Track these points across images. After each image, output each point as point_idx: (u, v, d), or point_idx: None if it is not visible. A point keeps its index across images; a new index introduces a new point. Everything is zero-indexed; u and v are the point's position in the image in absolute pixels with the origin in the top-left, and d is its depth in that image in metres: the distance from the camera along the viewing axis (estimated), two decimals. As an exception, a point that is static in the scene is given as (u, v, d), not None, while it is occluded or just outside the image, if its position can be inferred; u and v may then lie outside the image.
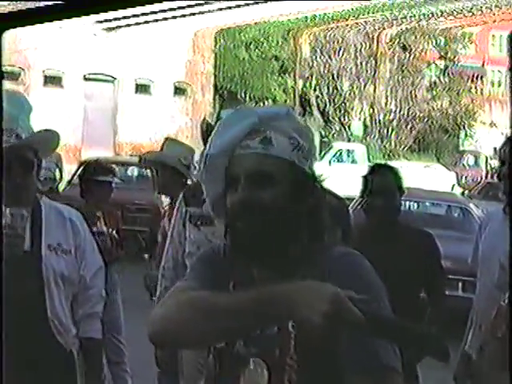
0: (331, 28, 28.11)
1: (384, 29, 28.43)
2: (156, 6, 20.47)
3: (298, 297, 1.68)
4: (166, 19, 22.26)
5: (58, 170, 14.05)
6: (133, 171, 15.54)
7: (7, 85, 19.67)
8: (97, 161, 6.45)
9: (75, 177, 6.65)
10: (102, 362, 3.60)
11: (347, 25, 27.52)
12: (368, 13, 26.18)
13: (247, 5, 20.27)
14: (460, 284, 7.72)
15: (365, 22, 27.34)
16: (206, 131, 4.10)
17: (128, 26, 22.78)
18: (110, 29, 23.29)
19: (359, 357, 1.78)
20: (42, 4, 1.18)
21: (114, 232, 5.68)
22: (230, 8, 21.98)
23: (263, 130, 1.90)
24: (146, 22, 22.47)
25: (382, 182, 3.76)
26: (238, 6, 20.68)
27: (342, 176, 15.92)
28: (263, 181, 1.88)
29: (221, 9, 21.95)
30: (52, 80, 23.06)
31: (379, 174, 3.83)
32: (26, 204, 3.34)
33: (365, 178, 3.83)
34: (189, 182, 4.98)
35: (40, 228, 3.39)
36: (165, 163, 4.98)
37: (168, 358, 4.30)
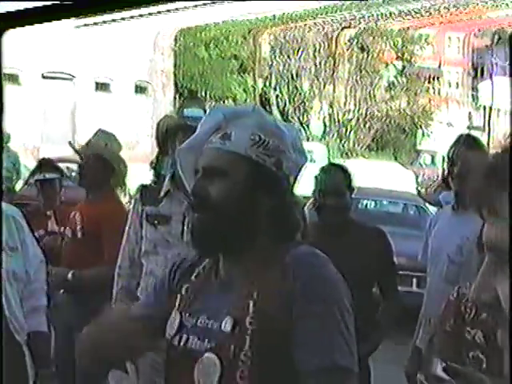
0: (290, 28, 28.17)
1: (342, 29, 28.54)
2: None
3: None
4: (125, 19, 22.13)
5: (14, 170, 13.93)
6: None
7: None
8: (45, 159, 6.39)
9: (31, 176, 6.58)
10: (51, 355, 3.59)
11: (305, 25, 27.59)
12: (327, 13, 26.29)
13: (206, 5, 20.23)
14: (414, 280, 7.82)
15: (323, 22, 27.44)
16: (167, 129, 4.09)
17: (88, 24, 22.62)
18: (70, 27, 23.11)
19: (312, 356, 1.80)
20: (41, 4, 1.18)
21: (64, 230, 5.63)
22: (190, 8, 21.93)
23: (226, 127, 1.95)
24: (106, 22, 22.33)
25: (331, 180, 3.83)
26: (197, 6, 20.64)
27: (301, 175, 15.93)
28: (214, 174, 1.92)
29: (180, 9, 21.89)
30: (10, 78, 22.82)
31: (328, 173, 3.89)
32: None
33: (315, 177, 3.89)
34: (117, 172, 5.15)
35: None
36: (92, 151, 4.94)
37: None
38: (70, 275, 4.62)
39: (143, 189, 4.26)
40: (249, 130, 1.92)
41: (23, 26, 1.19)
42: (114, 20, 22.11)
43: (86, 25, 22.50)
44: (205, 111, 4.15)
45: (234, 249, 1.94)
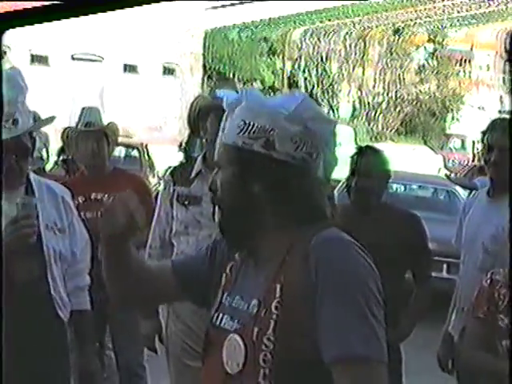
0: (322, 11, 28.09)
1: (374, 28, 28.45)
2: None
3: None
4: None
5: (45, 150, 14.06)
6: (120, 151, 15.55)
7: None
8: None
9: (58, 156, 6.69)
10: (93, 334, 3.63)
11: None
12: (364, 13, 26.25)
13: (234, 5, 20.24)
14: (445, 266, 7.77)
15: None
16: (200, 110, 4.09)
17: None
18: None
19: (333, 346, 1.76)
20: (41, 4, 1.18)
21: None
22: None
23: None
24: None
25: (367, 163, 3.78)
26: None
27: (328, 153, 15.88)
28: (217, 167, 1.99)
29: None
30: (39, 59, 22.94)
31: (366, 155, 3.84)
32: (19, 186, 3.33)
33: (351, 158, 3.85)
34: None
35: (36, 208, 3.39)
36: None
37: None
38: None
39: (174, 170, 4.27)
40: (236, 119, 1.94)
41: (23, 26, 1.19)
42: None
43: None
44: (237, 92, 4.15)
45: (249, 238, 1.96)
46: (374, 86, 30.15)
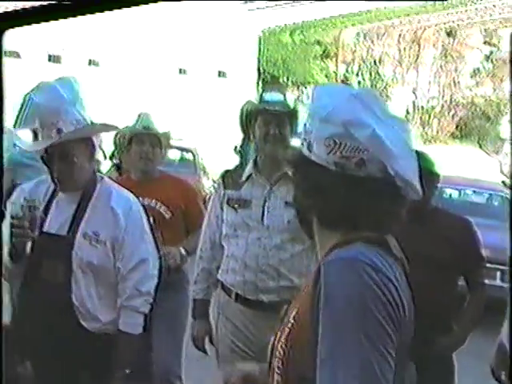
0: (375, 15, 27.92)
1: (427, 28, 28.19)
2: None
3: None
4: None
5: (101, 153, 14.15)
6: (175, 154, 15.64)
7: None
8: None
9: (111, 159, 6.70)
10: (130, 357, 3.50)
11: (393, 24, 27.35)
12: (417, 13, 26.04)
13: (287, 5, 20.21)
14: (498, 273, 7.63)
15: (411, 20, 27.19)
16: (248, 114, 4.08)
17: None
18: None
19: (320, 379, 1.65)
20: (42, 3, 1.16)
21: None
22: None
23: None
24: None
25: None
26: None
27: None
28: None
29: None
30: (93, 63, 23.24)
31: None
32: (67, 190, 3.36)
33: None
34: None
35: (82, 214, 3.40)
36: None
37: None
38: (183, 251, 4.76)
39: (226, 173, 4.27)
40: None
41: (23, 26, 1.17)
42: None
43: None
44: (285, 96, 4.13)
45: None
46: (428, 90, 29.85)
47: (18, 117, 3.44)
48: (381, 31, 28.94)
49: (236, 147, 13.40)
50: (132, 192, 4.32)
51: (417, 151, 4.17)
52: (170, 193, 4.85)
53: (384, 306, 1.67)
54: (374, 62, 29.46)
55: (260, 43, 27.38)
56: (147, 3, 1.22)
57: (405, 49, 29.47)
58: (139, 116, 4.99)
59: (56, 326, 3.35)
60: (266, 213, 4.00)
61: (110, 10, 1.18)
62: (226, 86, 25.65)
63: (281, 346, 1.79)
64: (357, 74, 29.67)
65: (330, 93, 1.87)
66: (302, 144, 1.84)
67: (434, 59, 29.81)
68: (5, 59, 1.40)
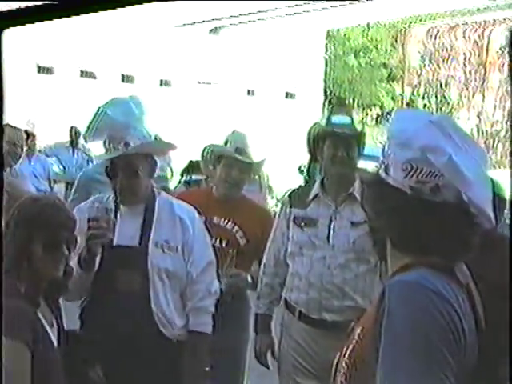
0: (439, 35, 27.66)
1: (490, 35, 27.77)
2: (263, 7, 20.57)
3: None
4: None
5: (169, 169, 14.36)
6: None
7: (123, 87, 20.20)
8: (192, 161, 6.59)
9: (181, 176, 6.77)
10: (207, 356, 3.62)
11: (453, 27, 27.02)
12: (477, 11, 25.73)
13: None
14: None
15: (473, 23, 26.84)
16: (315, 136, 4.10)
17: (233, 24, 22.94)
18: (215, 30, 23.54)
19: None
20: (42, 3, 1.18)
21: None
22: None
23: None
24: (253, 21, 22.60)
25: None
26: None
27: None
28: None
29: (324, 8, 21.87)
30: (165, 83, 23.51)
31: None
32: (131, 202, 3.43)
33: None
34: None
35: (150, 224, 3.47)
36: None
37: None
38: (249, 278, 4.56)
39: (293, 192, 4.30)
40: None
41: (23, 25, 1.18)
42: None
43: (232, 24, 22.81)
44: (352, 118, 4.15)
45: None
46: (493, 114, 29.42)
47: (88, 128, 3.54)
48: (445, 55, 28.66)
49: (300, 167, 13.39)
50: (210, 209, 4.32)
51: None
52: (248, 218, 4.66)
53: (444, 332, 1.68)
54: (440, 85, 29.19)
55: (326, 65, 27.39)
56: (149, 1, 1.24)
57: (470, 72, 29.13)
58: (233, 133, 4.75)
59: (137, 334, 3.41)
60: (331, 232, 4.01)
61: (115, 8, 1.19)
62: (294, 107, 25.70)
63: (345, 362, 1.81)
64: (422, 97, 29.43)
65: (409, 118, 1.89)
66: (380, 166, 1.86)
67: (500, 83, 29.40)
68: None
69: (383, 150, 1.86)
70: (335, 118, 4.09)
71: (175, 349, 3.57)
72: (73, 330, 3.09)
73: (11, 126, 6.72)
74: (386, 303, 1.70)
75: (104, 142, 3.57)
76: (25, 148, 6.63)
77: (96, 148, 4.12)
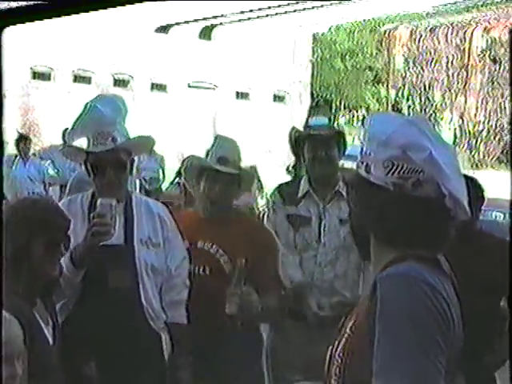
0: (422, 39, 27.76)
1: (471, 37, 27.91)
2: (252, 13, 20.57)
3: None
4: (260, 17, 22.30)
5: (161, 171, 14.34)
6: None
7: (116, 91, 20.14)
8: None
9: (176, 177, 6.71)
10: (189, 346, 3.64)
11: (433, 28, 27.11)
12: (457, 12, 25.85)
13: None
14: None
15: (454, 23, 26.98)
16: (296, 140, 4.12)
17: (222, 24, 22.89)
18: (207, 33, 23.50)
19: None
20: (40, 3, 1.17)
21: None
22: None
23: None
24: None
25: None
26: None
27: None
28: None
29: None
30: (158, 87, 23.47)
31: None
32: (118, 198, 3.42)
33: None
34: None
35: (132, 222, 3.48)
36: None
37: None
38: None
39: (279, 187, 4.27)
40: None
41: (23, 23, 1.17)
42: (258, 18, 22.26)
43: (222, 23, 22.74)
44: (329, 119, 4.17)
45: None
46: (475, 115, 29.53)
47: (74, 124, 3.53)
48: (428, 58, 28.75)
49: (288, 167, 13.41)
50: (194, 230, 3.83)
51: (465, 175, 4.16)
52: (238, 240, 3.78)
53: (436, 320, 1.71)
54: (424, 87, 29.28)
55: (313, 68, 27.42)
56: (150, 0, 1.23)
57: (453, 75, 29.23)
58: (215, 140, 4.00)
59: (129, 330, 3.41)
60: (322, 230, 4.01)
61: (113, 7, 1.19)
62: (282, 110, 25.72)
63: (338, 355, 1.82)
64: (407, 99, 29.50)
65: (386, 119, 1.95)
66: (358, 166, 1.89)
67: (481, 85, 29.51)
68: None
69: (361, 150, 1.90)
70: (312, 120, 4.11)
71: (161, 341, 3.61)
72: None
73: None
74: (379, 295, 1.72)
75: (88, 139, 3.48)
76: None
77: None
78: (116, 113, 3.50)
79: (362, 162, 1.89)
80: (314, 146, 4.03)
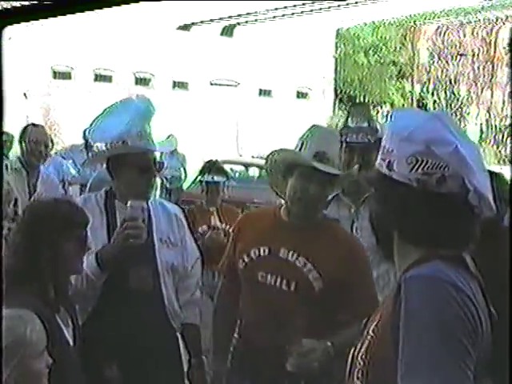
0: (448, 33, 27.62)
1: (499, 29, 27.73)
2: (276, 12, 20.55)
3: None
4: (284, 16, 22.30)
5: (182, 170, 14.36)
6: (254, 171, 15.75)
7: (137, 90, 20.20)
8: (212, 161, 6.51)
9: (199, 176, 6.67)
10: (201, 346, 3.67)
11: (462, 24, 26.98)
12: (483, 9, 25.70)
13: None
14: None
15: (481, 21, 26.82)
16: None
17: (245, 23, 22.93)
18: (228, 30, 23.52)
19: None
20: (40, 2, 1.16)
21: (228, 227, 5.74)
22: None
23: None
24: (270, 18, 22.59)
25: None
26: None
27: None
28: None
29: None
30: (179, 85, 23.54)
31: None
32: (144, 200, 3.41)
33: None
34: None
35: (151, 222, 3.47)
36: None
37: None
38: (331, 349, 4.15)
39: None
40: None
41: (23, 22, 1.17)
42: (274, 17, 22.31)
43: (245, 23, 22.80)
44: (369, 123, 4.00)
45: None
46: (502, 109, 29.33)
47: (99, 123, 3.52)
48: (454, 52, 28.60)
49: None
50: (275, 236, 3.27)
51: (491, 171, 4.09)
52: (331, 254, 3.20)
53: (464, 323, 1.67)
54: (450, 81, 29.12)
55: (336, 64, 27.38)
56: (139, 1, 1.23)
57: (479, 68, 29.05)
58: (311, 130, 3.43)
59: (153, 330, 3.42)
60: (353, 232, 3.92)
61: (114, 6, 1.17)
62: (306, 107, 25.69)
63: (361, 357, 1.79)
64: (432, 94, 29.36)
65: (408, 115, 1.90)
66: (380, 164, 1.85)
67: (508, 79, 29.30)
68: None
69: (382, 147, 1.86)
70: (350, 123, 4.01)
71: (178, 341, 3.63)
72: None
73: (34, 125, 6.70)
74: (403, 297, 1.69)
75: (112, 141, 3.46)
76: (49, 146, 6.56)
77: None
78: (142, 115, 3.49)
79: (384, 160, 1.85)
80: (351, 151, 3.92)
